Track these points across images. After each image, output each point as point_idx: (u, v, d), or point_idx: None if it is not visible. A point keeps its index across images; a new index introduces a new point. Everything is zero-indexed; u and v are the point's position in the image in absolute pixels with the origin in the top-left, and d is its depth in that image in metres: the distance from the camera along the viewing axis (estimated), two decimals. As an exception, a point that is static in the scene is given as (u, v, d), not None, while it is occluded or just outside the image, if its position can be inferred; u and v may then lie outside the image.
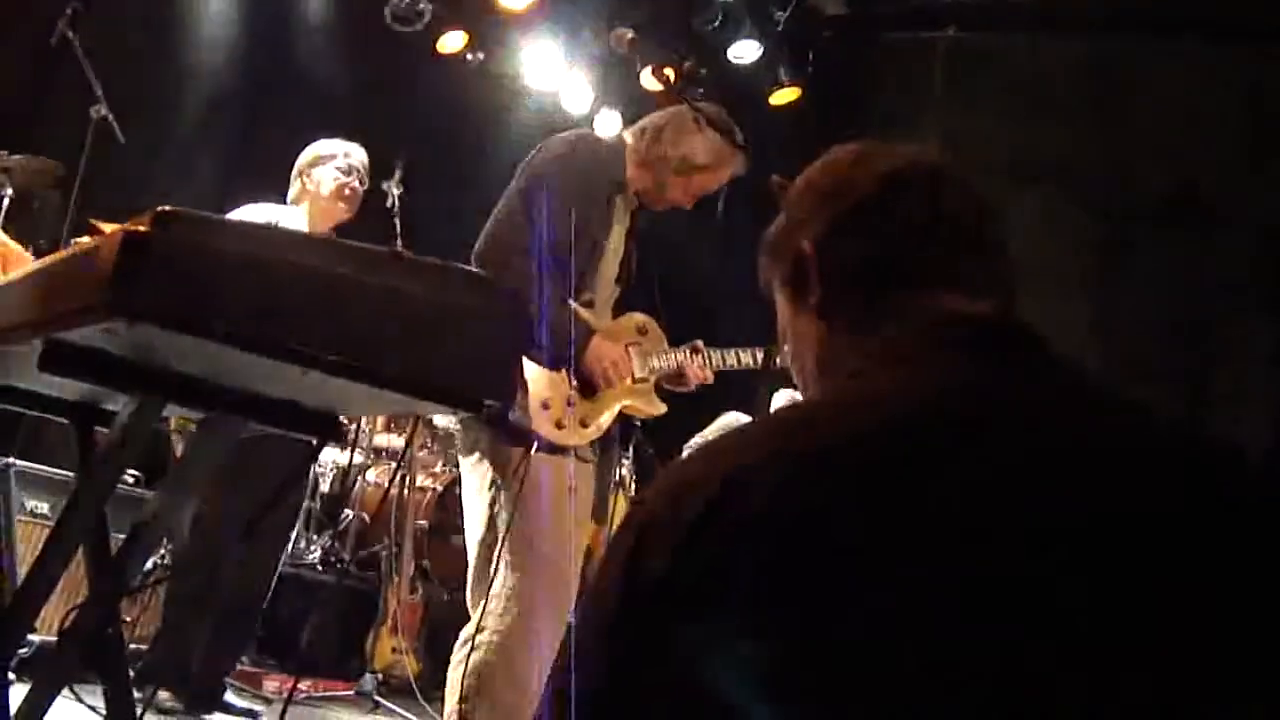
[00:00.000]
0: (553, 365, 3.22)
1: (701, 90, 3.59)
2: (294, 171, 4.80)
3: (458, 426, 3.30)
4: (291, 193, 4.79)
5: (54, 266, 1.67)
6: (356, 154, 4.81)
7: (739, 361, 3.69)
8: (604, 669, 0.98)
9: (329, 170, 4.70)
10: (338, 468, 6.51)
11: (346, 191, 4.70)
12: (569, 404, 3.23)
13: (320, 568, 6.25)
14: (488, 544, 3.18)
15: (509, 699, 3.00)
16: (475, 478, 3.25)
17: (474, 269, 3.12)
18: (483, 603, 3.11)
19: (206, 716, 4.48)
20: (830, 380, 1.28)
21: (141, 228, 1.40)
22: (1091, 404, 1.07)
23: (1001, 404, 1.03)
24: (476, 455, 3.24)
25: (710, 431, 6.82)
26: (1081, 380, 1.09)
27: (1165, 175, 7.31)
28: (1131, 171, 7.43)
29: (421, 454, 6.40)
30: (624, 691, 0.96)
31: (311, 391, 1.71)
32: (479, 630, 3.07)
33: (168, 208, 1.41)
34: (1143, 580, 0.90)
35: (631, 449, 6.57)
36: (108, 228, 1.54)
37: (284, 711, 2.53)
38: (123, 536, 2.39)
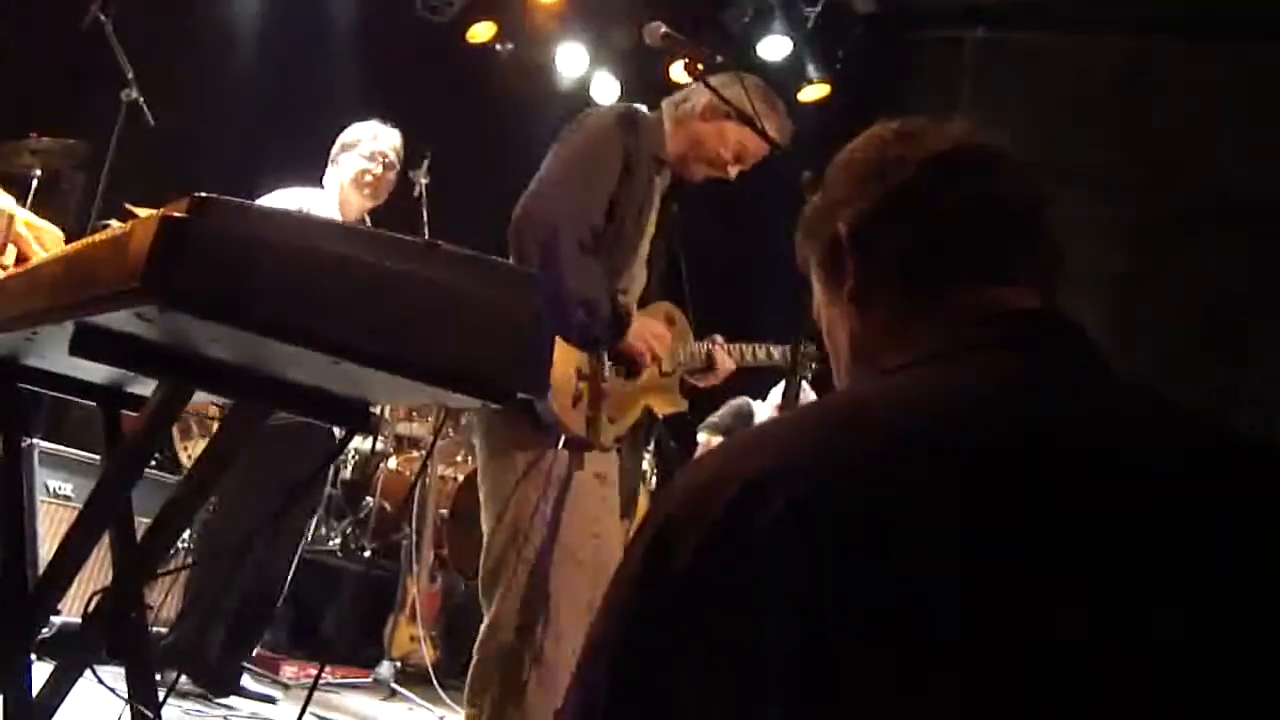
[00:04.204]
0: (588, 345, 3.11)
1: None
2: (331, 154, 4.81)
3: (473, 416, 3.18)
4: (326, 177, 4.80)
5: (87, 250, 1.67)
6: (385, 138, 4.77)
7: (756, 357, 3.61)
8: (623, 668, 0.95)
9: (352, 156, 4.69)
10: (359, 455, 6.52)
11: (367, 178, 4.67)
12: (602, 397, 3.13)
13: (340, 555, 6.26)
14: (505, 537, 3.07)
15: (538, 697, 2.94)
16: (496, 469, 3.14)
17: (506, 259, 3.07)
18: (499, 595, 3.04)
19: (224, 701, 4.49)
20: (866, 371, 1.22)
21: (177, 213, 1.39)
22: (1140, 408, 1.02)
23: (1048, 408, 0.99)
24: (499, 446, 3.15)
25: (721, 416, 6.78)
26: (1127, 383, 1.04)
27: (1197, 175, 7.25)
28: (1163, 171, 7.37)
29: (443, 442, 6.40)
30: (641, 690, 0.93)
31: (343, 380, 1.70)
32: (502, 626, 3.00)
33: (204, 193, 1.40)
34: (1193, 595, 0.87)
35: (653, 441, 6.55)
36: (143, 212, 1.53)
37: (308, 699, 2.53)
38: (144, 519, 2.40)
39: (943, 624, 0.85)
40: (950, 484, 0.90)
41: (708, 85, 3.23)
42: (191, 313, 1.39)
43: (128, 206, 1.74)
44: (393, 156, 4.76)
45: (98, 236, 1.65)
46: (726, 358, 3.50)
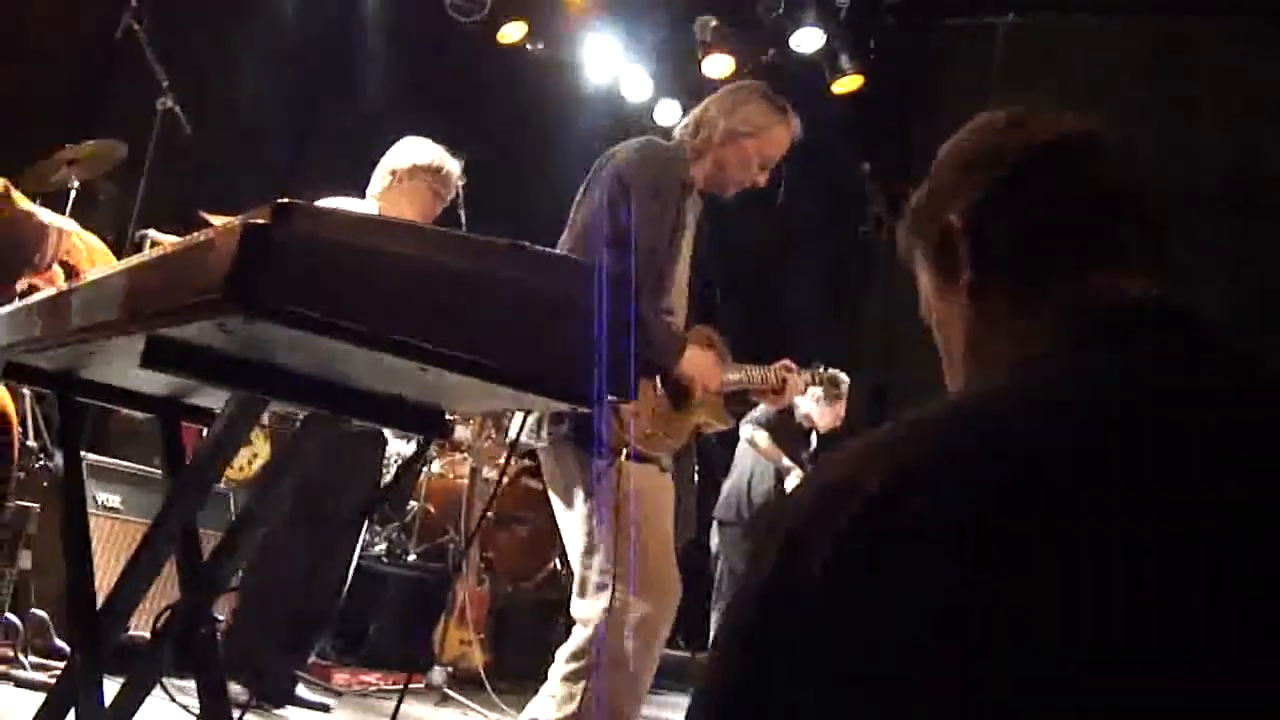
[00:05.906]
0: (646, 372, 3.19)
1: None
2: (388, 165, 4.60)
3: (542, 445, 3.21)
4: (376, 185, 4.59)
5: (161, 260, 1.63)
6: (456, 176, 4.67)
7: (814, 380, 3.97)
8: (753, 672, 0.93)
9: (431, 183, 4.58)
10: (402, 459, 6.50)
11: (437, 208, 4.60)
12: (654, 413, 3.21)
13: (386, 560, 6.25)
14: (583, 554, 3.12)
15: (617, 698, 3.00)
16: (568, 495, 3.19)
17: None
18: (585, 604, 3.08)
19: (278, 710, 4.47)
20: (986, 366, 1.19)
21: (260, 220, 1.35)
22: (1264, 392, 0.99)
23: (1185, 395, 0.97)
24: (567, 473, 3.19)
25: (764, 409, 6.71)
26: (1259, 366, 1.02)
27: (1228, 158, 7.19)
28: (1194, 154, 7.31)
29: (487, 444, 6.37)
30: (769, 691, 0.91)
31: (423, 387, 1.66)
32: (594, 641, 3.03)
33: (287, 199, 1.36)
34: None
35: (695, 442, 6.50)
36: (218, 220, 1.49)
37: (397, 707, 2.50)
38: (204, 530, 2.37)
39: (1067, 634, 0.82)
40: (1090, 490, 0.87)
41: (760, 92, 3.41)
42: (278, 322, 1.34)
43: (201, 214, 1.71)
44: (450, 195, 4.72)
45: (169, 245, 1.61)
46: (798, 380, 3.70)
